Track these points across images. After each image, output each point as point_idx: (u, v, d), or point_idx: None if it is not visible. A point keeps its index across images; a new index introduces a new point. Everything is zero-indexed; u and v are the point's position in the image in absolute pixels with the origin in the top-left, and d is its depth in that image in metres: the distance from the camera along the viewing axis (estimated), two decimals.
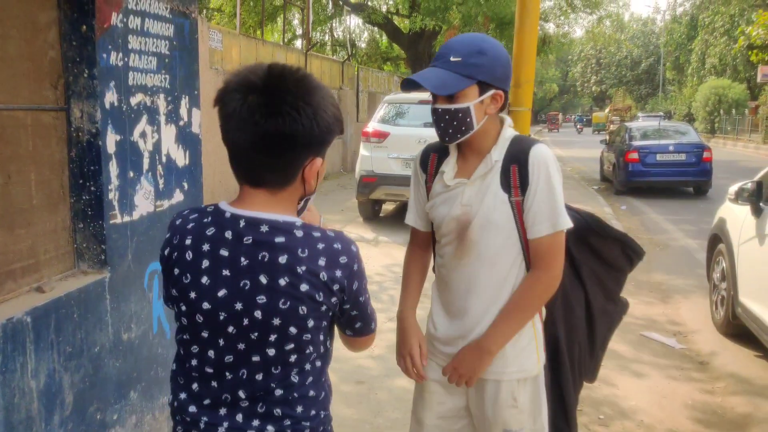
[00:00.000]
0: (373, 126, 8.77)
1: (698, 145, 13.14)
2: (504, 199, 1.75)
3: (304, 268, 1.23)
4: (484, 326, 1.80)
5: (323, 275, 1.24)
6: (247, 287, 1.23)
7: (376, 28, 20.30)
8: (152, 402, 2.61)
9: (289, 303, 1.22)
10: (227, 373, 1.28)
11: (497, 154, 1.77)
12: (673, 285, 6.46)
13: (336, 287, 1.26)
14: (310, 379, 1.32)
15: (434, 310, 1.95)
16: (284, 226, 1.25)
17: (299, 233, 1.25)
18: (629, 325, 5.23)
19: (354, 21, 21.41)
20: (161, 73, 2.48)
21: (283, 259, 1.22)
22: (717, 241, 5.19)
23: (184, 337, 1.32)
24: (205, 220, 1.28)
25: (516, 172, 1.74)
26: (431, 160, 1.90)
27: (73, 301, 2.08)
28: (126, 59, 2.27)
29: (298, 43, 19.08)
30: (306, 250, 1.24)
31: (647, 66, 63.40)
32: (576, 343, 1.98)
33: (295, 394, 1.29)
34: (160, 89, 2.48)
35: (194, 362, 1.31)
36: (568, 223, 1.75)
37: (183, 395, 1.34)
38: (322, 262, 1.24)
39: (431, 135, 1.90)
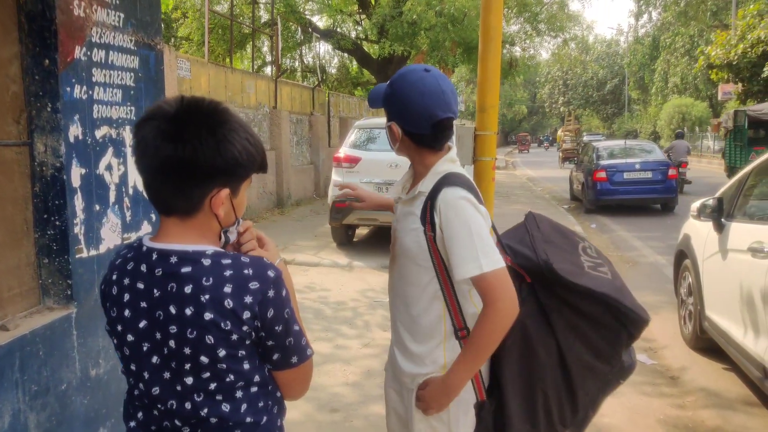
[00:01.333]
0: (344, 151, 8.82)
1: (663, 162, 13.45)
2: (418, 229, 1.80)
3: (207, 296, 1.23)
4: (399, 333, 1.91)
5: (228, 302, 1.22)
6: (161, 318, 1.26)
7: (345, 54, 20.49)
8: None
9: (195, 332, 1.23)
10: (158, 405, 1.31)
11: (424, 185, 1.81)
12: (643, 301, 6.43)
13: (246, 315, 1.23)
14: (244, 406, 1.31)
15: None
16: (192, 255, 1.26)
17: (206, 261, 1.25)
18: None
19: (323, 47, 21.63)
20: (126, 105, 2.48)
21: (188, 289, 1.24)
22: (683, 257, 5.30)
23: (123, 370, 1.38)
24: (129, 255, 1.33)
25: (429, 208, 1.77)
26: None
27: (38, 338, 2.05)
28: (90, 92, 2.27)
29: (268, 70, 19.12)
30: (211, 278, 1.24)
31: (612, 86, 64.94)
32: (539, 390, 1.85)
33: (230, 422, 1.30)
34: (125, 121, 2.48)
35: (136, 392, 1.35)
36: (490, 266, 1.66)
37: (132, 423, 1.38)
38: (227, 289, 1.23)
39: (403, 160, 1.94)
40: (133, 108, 2.53)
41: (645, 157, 13.82)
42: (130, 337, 1.30)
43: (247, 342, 1.27)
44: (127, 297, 1.29)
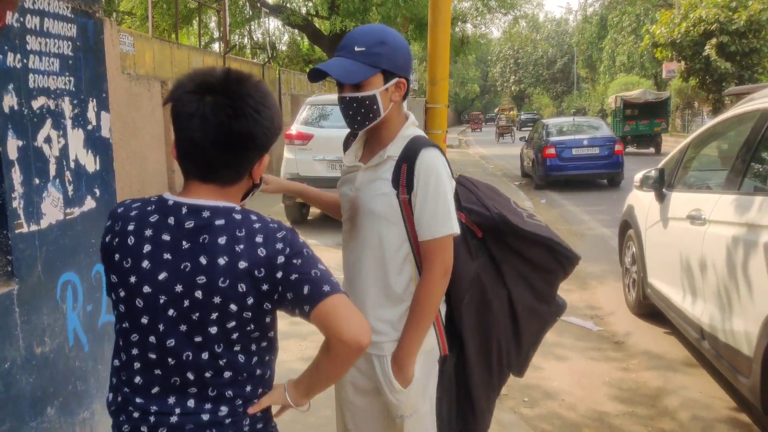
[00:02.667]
0: (296, 128, 8.73)
1: (610, 138, 13.80)
2: (392, 194, 1.81)
3: (242, 246, 1.27)
4: (368, 305, 1.88)
5: (261, 251, 1.28)
6: (187, 269, 1.28)
7: (296, 30, 20.15)
8: (72, 417, 2.51)
9: (228, 281, 1.26)
10: (170, 359, 1.30)
11: (393, 150, 1.83)
12: (590, 272, 6.77)
13: (280, 260, 1.28)
14: (256, 359, 1.35)
15: None
16: (224, 210, 1.31)
17: (238, 216, 1.31)
18: None
19: (273, 23, 21.21)
20: (65, 75, 2.39)
21: (222, 240, 1.27)
22: (627, 227, 5.48)
23: (124, 325, 1.34)
24: (149, 208, 1.34)
25: (405, 171, 1.80)
26: (349, 143, 2.03)
27: None
28: (25, 61, 2.18)
29: (216, 47, 18.66)
30: (243, 230, 1.29)
31: (562, 65, 65.99)
32: (494, 339, 1.98)
33: (244, 374, 1.33)
34: (64, 92, 2.39)
35: (135, 351, 1.32)
36: (450, 230, 1.78)
37: (127, 389, 1.34)
38: (259, 239, 1.29)
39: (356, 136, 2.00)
40: (72, 78, 2.44)
41: (593, 134, 14.15)
42: (146, 289, 1.29)
43: (275, 295, 1.30)
44: (147, 248, 1.29)
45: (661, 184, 4.60)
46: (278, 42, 21.56)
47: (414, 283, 1.88)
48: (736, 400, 3.64)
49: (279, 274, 1.28)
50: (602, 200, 11.79)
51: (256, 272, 1.27)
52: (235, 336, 1.30)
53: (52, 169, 2.34)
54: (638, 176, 4.99)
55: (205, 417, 1.30)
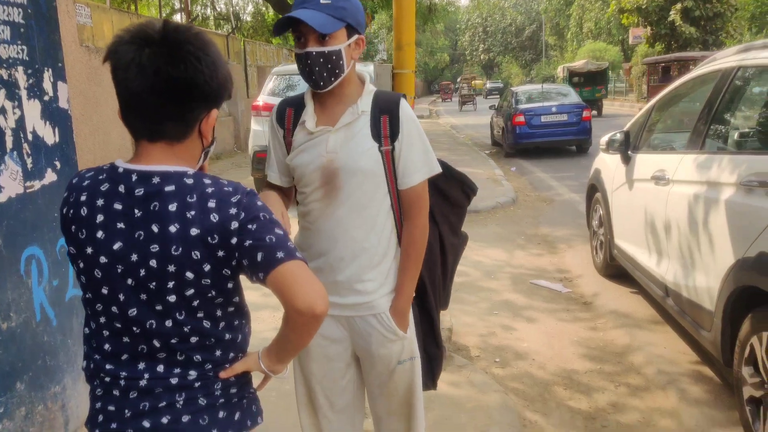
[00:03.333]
0: (263, 99, 8.61)
1: (578, 105, 13.90)
2: (372, 147, 1.82)
3: (193, 212, 1.24)
4: (353, 269, 1.86)
5: (214, 216, 1.24)
6: (141, 238, 1.25)
7: (260, 0, 19.74)
8: (42, 392, 2.50)
9: (181, 249, 1.24)
10: (134, 327, 1.29)
11: (364, 104, 1.83)
12: (559, 236, 6.88)
13: (234, 225, 1.25)
14: (223, 323, 1.33)
15: None
16: (175, 175, 1.27)
17: (189, 180, 1.27)
18: (521, 276, 5.54)
19: None
20: (17, 44, 2.31)
21: (173, 207, 1.24)
22: (594, 190, 5.56)
23: (87, 296, 1.33)
24: (100, 176, 1.31)
25: (387, 122, 1.82)
26: (287, 114, 1.91)
27: None
28: None
29: (178, 17, 18.20)
30: (195, 195, 1.25)
31: (530, 32, 65.95)
32: (436, 276, 2.14)
33: (211, 339, 1.32)
34: (17, 61, 2.32)
35: (102, 320, 1.32)
36: (439, 167, 1.91)
37: (97, 356, 1.34)
38: (212, 204, 1.25)
39: None
40: (25, 47, 2.36)
41: (561, 101, 14.23)
42: (103, 259, 1.27)
43: (233, 261, 1.27)
44: (100, 218, 1.27)
45: (626, 147, 4.66)
46: (242, 12, 21.11)
47: (394, 235, 1.91)
48: (699, 354, 3.77)
49: (233, 240, 1.25)
50: (571, 166, 11.92)
51: (209, 239, 1.24)
52: (196, 303, 1.28)
53: (9, 141, 2.28)
54: (604, 139, 5.05)
55: (174, 381, 1.30)
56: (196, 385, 1.32)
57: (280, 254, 1.24)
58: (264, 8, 22.45)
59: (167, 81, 1.23)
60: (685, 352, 3.84)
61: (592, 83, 24.43)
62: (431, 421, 3.07)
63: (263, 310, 4.71)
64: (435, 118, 29.57)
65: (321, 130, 1.83)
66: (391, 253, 1.92)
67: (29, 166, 2.40)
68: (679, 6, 20.54)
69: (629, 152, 4.64)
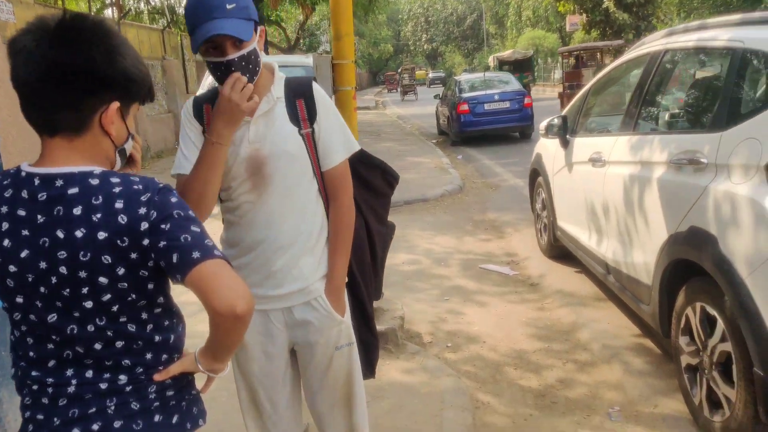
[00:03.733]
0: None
1: (520, 92, 14.15)
2: (293, 131, 1.83)
3: (99, 215, 1.19)
4: (289, 256, 1.86)
5: (122, 218, 1.19)
6: (47, 245, 1.20)
7: None
8: None
9: (90, 254, 1.19)
10: (54, 335, 1.25)
11: (277, 90, 1.84)
12: (505, 220, 7.02)
13: (144, 227, 1.19)
14: (151, 326, 1.30)
15: (227, 255, 1.84)
16: (79, 176, 1.22)
17: (95, 181, 1.21)
18: (470, 261, 5.64)
19: None
20: None
21: (77, 211, 1.19)
22: (536, 174, 5.70)
23: (4, 306, 1.29)
24: (5, 182, 1.26)
25: (303, 105, 1.85)
26: (205, 110, 1.86)
27: None
28: None
29: (109, 12, 17.61)
30: (101, 197, 1.20)
31: (471, 21, 66.70)
32: (365, 264, 2.16)
33: (139, 342, 1.28)
34: None
35: (23, 327, 1.28)
36: (357, 145, 1.95)
37: (23, 363, 1.30)
38: (119, 204, 1.20)
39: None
40: None
41: (503, 88, 14.46)
42: (12, 268, 1.22)
43: (150, 264, 1.23)
44: (6, 226, 1.22)
45: (564, 131, 4.79)
46: (177, 5, 20.55)
47: (324, 219, 1.94)
48: (640, 327, 3.93)
49: (145, 242, 1.20)
50: (515, 152, 12.15)
51: (118, 242, 1.19)
52: (116, 308, 1.24)
53: None
54: (543, 124, 5.18)
55: (104, 386, 1.27)
56: (128, 389, 1.28)
57: (196, 254, 1.18)
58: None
59: (53, 66, 1.18)
60: (627, 326, 4.00)
61: (519, 70, 26.13)
62: (385, 409, 3.11)
63: None
64: (381, 109, 29.62)
65: (241, 123, 1.81)
66: (324, 236, 1.95)
67: None
68: None
69: (567, 136, 4.77)
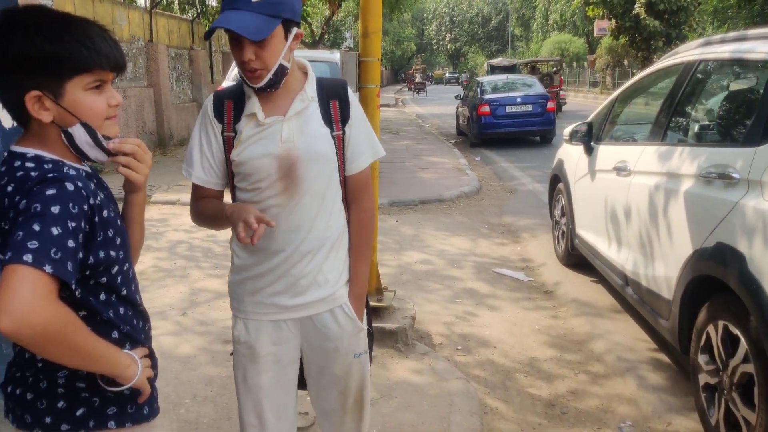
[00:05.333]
0: (227, 85, 8.45)
1: (542, 96, 14.03)
2: (326, 133, 1.77)
3: None
4: (316, 262, 1.80)
5: (5, 201, 1.20)
6: None
7: None
8: None
9: None
10: None
11: (311, 90, 1.78)
12: (522, 225, 6.94)
13: (11, 213, 1.19)
14: None
15: (245, 264, 1.84)
16: (8, 157, 1.26)
17: (17, 163, 1.24)
18: (485, 264, 5.58)
19: None
20: None
21: None
22: (557, 180, 5.62)
23: None
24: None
25: (337, 107, 1.79)
26: (227, 108, 1.77)
27: None
28: None
29: (141, 1, 17.76)
30: (6, 177, 1.23)
31: (497, 23, 66.33)
32: None
33: None
34: None
35: None
36: (382, 150, 1.93)
37: None
38: (10, 188, 1.21)
39: None
40: None
41: (526, 91, 14.34)
42: None
43: None
44: None
45: (589, 138, 4.71)
46: None
47: (345, 222, 1.89)
48: (657, 342, 3.85)
49: (6, 226, 1.20)
50: (534, 156, 12.05)
51: (3, 224, 1.20)
52: None
53: None
54: (567, 130, 5.10)
55: (27, 354, 1.31)
56: (39, 365, 1.29)
57: (9, 254, 1.10)
58: None
59: None
60: (644, 339, 3.92)
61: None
62: (393, 408, 3.08)
63: (224, 299, 4.61)
64: (401, 107, 29.55)
65: (272, 120, 1.72)
66: (345, 240, 1.89)
67: None
68: None
69: (592, 143, 4.69)
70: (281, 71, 1.68)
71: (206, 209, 1.84)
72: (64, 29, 1.23)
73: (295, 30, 1.69)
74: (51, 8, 1.27)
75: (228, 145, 1.77)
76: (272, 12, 1.60)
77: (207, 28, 16.53)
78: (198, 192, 1.86)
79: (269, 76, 1.67)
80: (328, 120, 1.78)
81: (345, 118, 1.80)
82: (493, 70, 28.91)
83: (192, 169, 1.81)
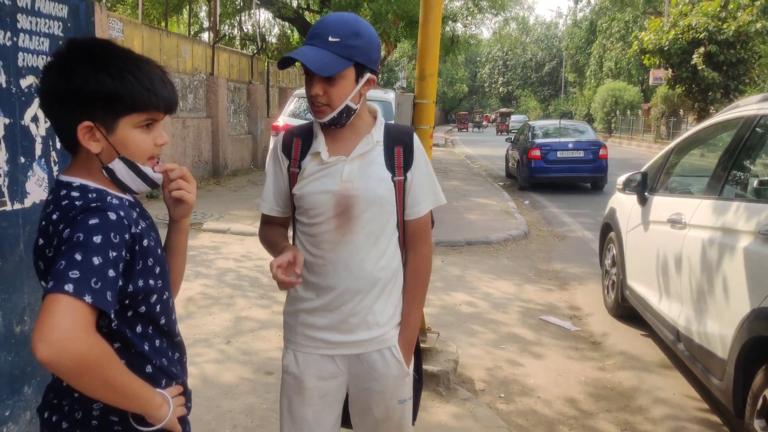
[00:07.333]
0: (283, 120, 8.71)
1: (595, 142, 13.90)
2: (387, 177, 1.82)
3: (44, 223, 1.26)
4: (367, 302, 1.83)
5: (51, 228, 1.24)
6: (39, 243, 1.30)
7: (286, 23, 20.07)
8: None
9: (34, 257, 1.29)
10: None
11: (378, 134, 1.84)
12: (570, 273, 6.84)
13: (55, 241, 1.21)
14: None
15: (299, 296, 1.89)
16: (55, 187, 1.31)
17: (63, 191, 1.28)
18: (530, 311, 5.51)
19: (264, 15, 21.07)
20: None
21: (43, 215, 1.28)
22: (608, 229, 5.54)
23: None
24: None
25: (401, 153, 1.84)
26: (295, 144, 1.86)
27: None
28: (15, 39, 2.16)
29: (205, 36, 18.53)
30: (51, 206, 1.27)
31: (550, 68, 66.33)
32: None
33: None
34: None
35: None
36: (443, 197, 1.95)
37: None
38: (55, 216, 1.24)
39: None
40: None
41: (578, 137, 14.25)
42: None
43: None
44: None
45: (643, 188, 4.66)
46: (268, 34, 21.41)
47: (401, 266, 1.91)
48: (708, 401, 3.71)
49: (50, 254, 1.23)
50: (585, 203, 11.89)
51: (47, 252, 1.23)
52: None
53: (38, 149, 2.33)
54: (621, 179, 5.05)
55: (64, 383, 1.32)
56: (76, 395, 1.30)
57: (51, 283, 1.12)
58: (289, 31, 22.81)
59: (41, 90, 1.28)
60: (694, 398, 3.79)
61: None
62: None
63: (269, 329, 4.72)
64: (450, 147, 29.68)
65: (335, 159, 1.79)
66: (400, 284, 1.91)
67: (55, 173, 2.44)
68: (702, 50, 20.56)
69: (646, 193, 4.63)
70: (347, 111, 1.76)
71: (267, 235, 1.97)
72: (127, 68, 1.27)
73: (368, 75, 1.76)
74: (117, 45, 1.32)
75: (293, 179, 1.86)
76: (345, 54, 1.68)
77: (266, 64, 17.16)
78: (264, 216, 1.99)
79: (333, 114, 1.74)
80: (390, 165, 1.83)
81: (408, 164, 1.85)
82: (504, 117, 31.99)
83: (263, 201, 1.96)
